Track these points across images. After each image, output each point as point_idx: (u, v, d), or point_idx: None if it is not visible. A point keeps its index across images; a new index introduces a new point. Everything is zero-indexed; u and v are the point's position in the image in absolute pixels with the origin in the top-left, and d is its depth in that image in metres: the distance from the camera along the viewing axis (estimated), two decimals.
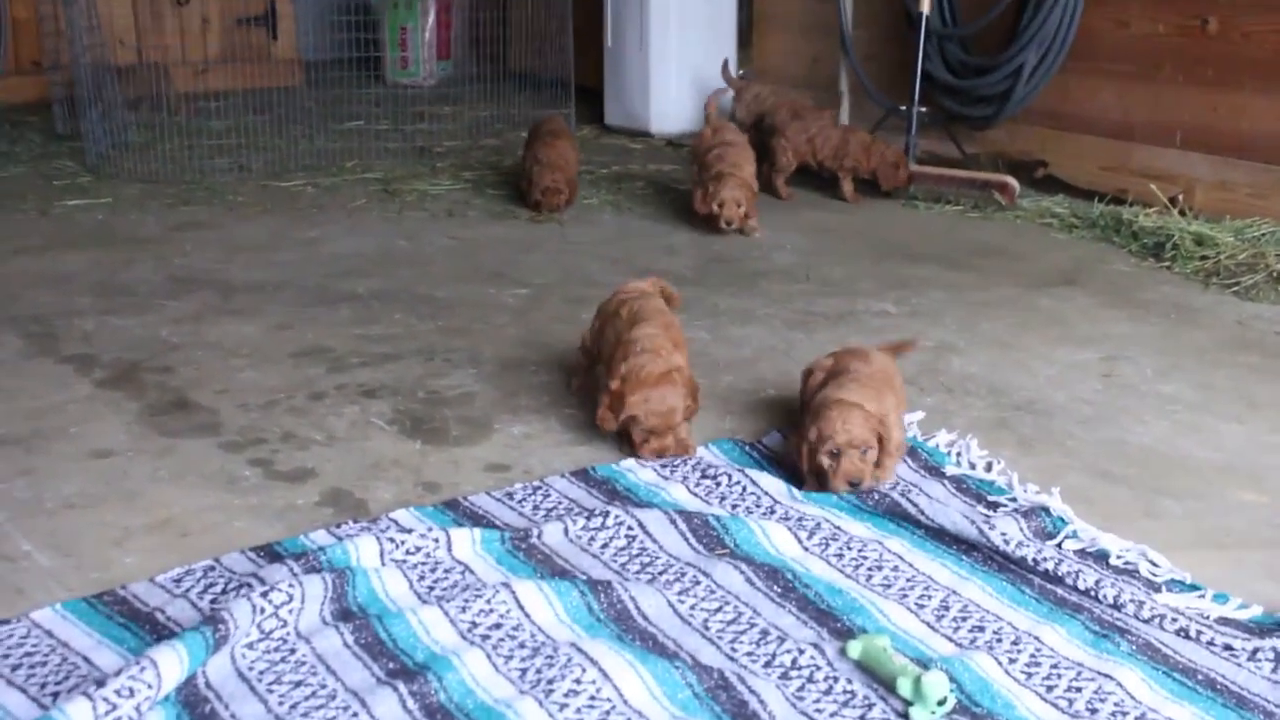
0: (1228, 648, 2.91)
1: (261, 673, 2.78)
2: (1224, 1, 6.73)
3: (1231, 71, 6.73)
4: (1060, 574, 3.17)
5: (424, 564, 3.23)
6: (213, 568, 3.23)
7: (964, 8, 7.76)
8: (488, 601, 3.00)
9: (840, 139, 7.34)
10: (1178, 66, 6.98)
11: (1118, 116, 7.26)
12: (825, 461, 3.58)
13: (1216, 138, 6.83)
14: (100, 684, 2.59)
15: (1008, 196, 7.08)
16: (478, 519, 3.52)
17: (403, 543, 3.25)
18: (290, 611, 2.94)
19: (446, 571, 3.21)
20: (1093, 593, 3.12)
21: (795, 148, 7.34)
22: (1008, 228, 6.79)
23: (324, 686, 2.74)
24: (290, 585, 2.98)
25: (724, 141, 6.66)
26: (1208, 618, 3.06)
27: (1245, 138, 6.70)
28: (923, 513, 3.42)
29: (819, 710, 2.67)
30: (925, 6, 7.58)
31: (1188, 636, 2.97)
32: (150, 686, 2.61)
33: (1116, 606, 3.07)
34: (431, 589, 3.13)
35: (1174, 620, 3.01)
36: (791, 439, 3.78)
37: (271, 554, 3.30)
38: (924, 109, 7.67)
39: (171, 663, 2.67)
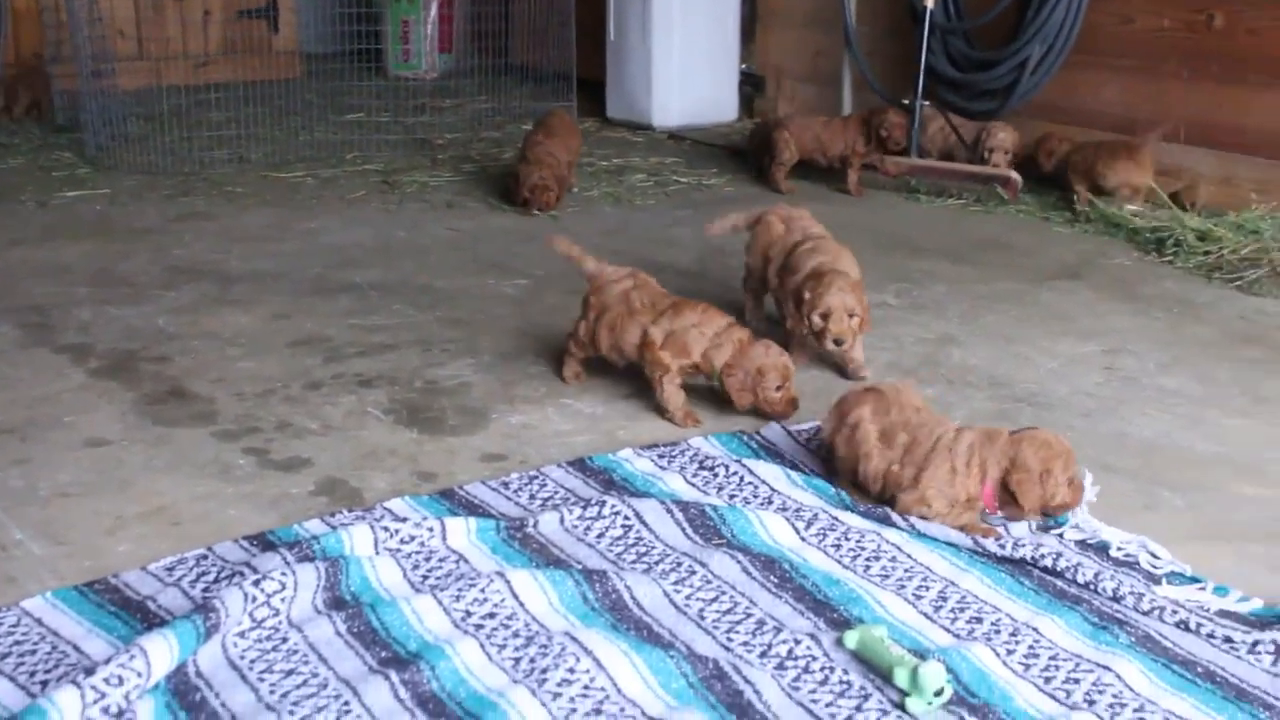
0: (1227, 640, 2.89)
1: (253, 661, 2.75)
2: None
3: (1236, 67, 6.71)
4: (1060, 568, 3.14)
5: (418, 553, 3.20)
6: (205, 556, 3.21)
7: (968, 2, 7.72)
8: (482, 590, 2.98)
9: (843, 129, 7.34)
10: (1182, 62, 6.95)
11: (1121, 112, 7.22)
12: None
13: (1221, 133, 6.80)
14: (90, 672, 2.57)
15: (1011, 191, 7.05)
16: (473, 508, 3.49)
17: (397, 531, 3.23)
18: (283, 600, 2.91)
19: (441, 560, 3.18)
20: (1092, 585, 3.09)
21: (800, 143, 7.29)
22: (1010, 222, 6.76)
23: (315, 675, 2.71)
24: (283, 574, 2.96)
25: (809, 234, 4.82)
26: (1208, 610, 3.03)
27: (1249, 133, 6.67)
28: (913, 527, 3.38)
29: (814, 700, 2.64)
30: (930, 1, 7.54)
31: (1187, 629, 2.94)
32: (140, 675, 2.59)
33: (1116, 599, 3.05)
34: (425, 578, 3.10)
35: (1174, 613, 2.98)
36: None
37: (265, 543, 3.28)
38: (926, 103, 7.63)
39: (161, 651, 2.65)
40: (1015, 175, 7.11)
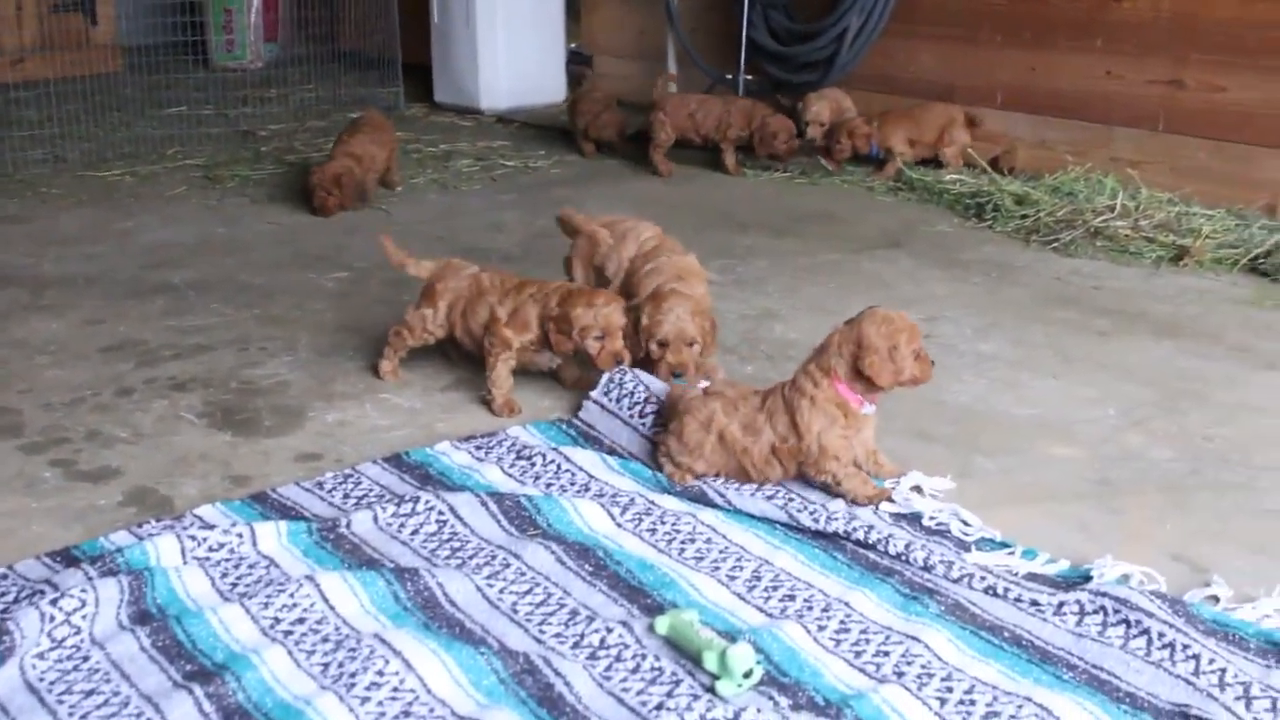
0: (1034, 603, 2.93)
1: (52, 683, 2.68)
2: None
3: (1047, 32, 6.84)
4: (872, 540, 3.17)
5: (227, 560, 3.14)
6: (4, 576, 3.11)
7: None
8: (291, 596, 2.92)
9: (722, 109, 7.23)
10: (996, 28, 7.07)
11: (940, 79, 7.33)
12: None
13: (1035, 97, 6.93)
14: None
15: (834, 162, 7.11)
16: (286, 511, 3.43)
17: (205, 540, 3.16)
18: (84, 617, 2.84)
19: (251, 567, 3.12)
20: (904, 556, 3.12)
21: (675, 122, 7.23)
22: (834, 193, 6.82)
23: (117, 694, 2.64)
24: (83, 590, 2.88)
25: (644, 245, 4.54)
26: (1016, 574, 3.08)
27: (1062, 97, 6.81)
28: (729, 502, 3.40)
29: (625, 689, 2.64)
30: None
31: (996, 594, 2.98)
32: None
33: (927, 568, 3.08)
34: (234, 586, 3.04)
35: (982, 579, 3.02)
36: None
37: (68, 558, 3.19)
38: (749, 77, 7.68)
39: None
40: None
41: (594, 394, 4.01)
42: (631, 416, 3.91)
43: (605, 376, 3.99)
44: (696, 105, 7.27)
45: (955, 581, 3.04)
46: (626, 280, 4.42)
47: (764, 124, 7.10)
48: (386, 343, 4.34)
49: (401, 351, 4.31)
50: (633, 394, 3.95)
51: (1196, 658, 2.71)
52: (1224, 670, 2.66)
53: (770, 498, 3.43)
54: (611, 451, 3.76)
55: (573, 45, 9.60)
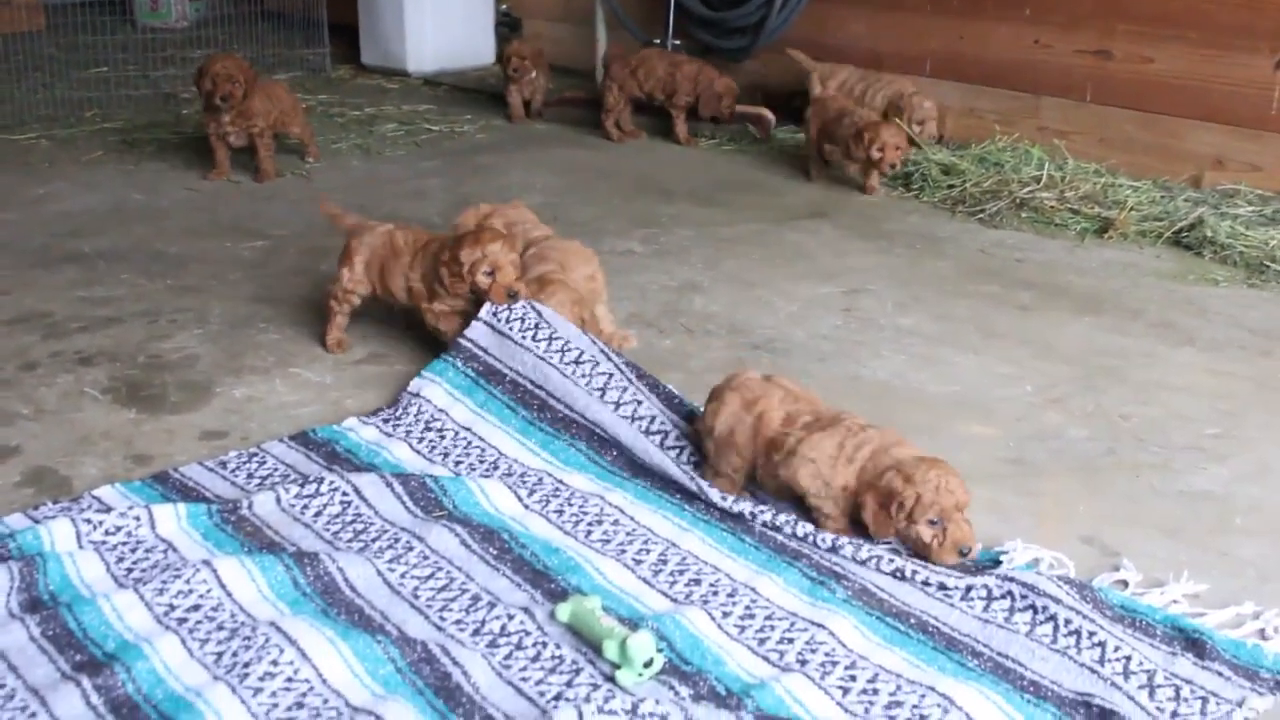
0: (941, 588, 2.91)
1: None
2: None
3: (976, 0, 6.80)
4: (779, 522, 3.14)
5: (124, 544, 3.06)
6: None
7: None
8: (187, 582, 2.85)
9: (666, 72, 7.09)
10: None
11: (869, 45, 7.28)
12: (927, 534, 3.06)
13: (964, 65, 6.90)
14: None
15: (763, 129, 7.05)
16: (187, 492, 3.35)
17: (101, 523, 3.08)
18: None
19: (148, 551, 3.05)
20: (811, 538, 3.09)
21: (620, 83, 7.16)
22: (762, 161, 6.76)
23: (3, 685, 2.57)
24: None
25: (531, 239, 4.43)
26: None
27: (990, 65, 6.78)
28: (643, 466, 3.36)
29: (525, 678, 2.59)
30: None
31: (903, 578, 2.96)
32: None
33: (834, 550, 3.05)
34: (129, 571, 2.97)
35: (890, 562, 2.99)
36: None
37: None
38: (678, 42, 7.60)
39: None
40: (768, 113, 7.12)
41: (482, 314, 3.97)
42: (524, 338, 3.86)
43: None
44: (638, 63, 7.15)
45: (862, 564, 3.01)
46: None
47: (710, 85, 7.00)
48: (327, 316, 4.28)
49: (343, 312, 4.27)
50: (523, 318, 3.91)
51: (1102, 645, 2.69)
52: (1129, 658, 2.65)
53: (686, 470, 3.38)
54: (515, 390, 3.74)
55: (502, 7, 9.48)
